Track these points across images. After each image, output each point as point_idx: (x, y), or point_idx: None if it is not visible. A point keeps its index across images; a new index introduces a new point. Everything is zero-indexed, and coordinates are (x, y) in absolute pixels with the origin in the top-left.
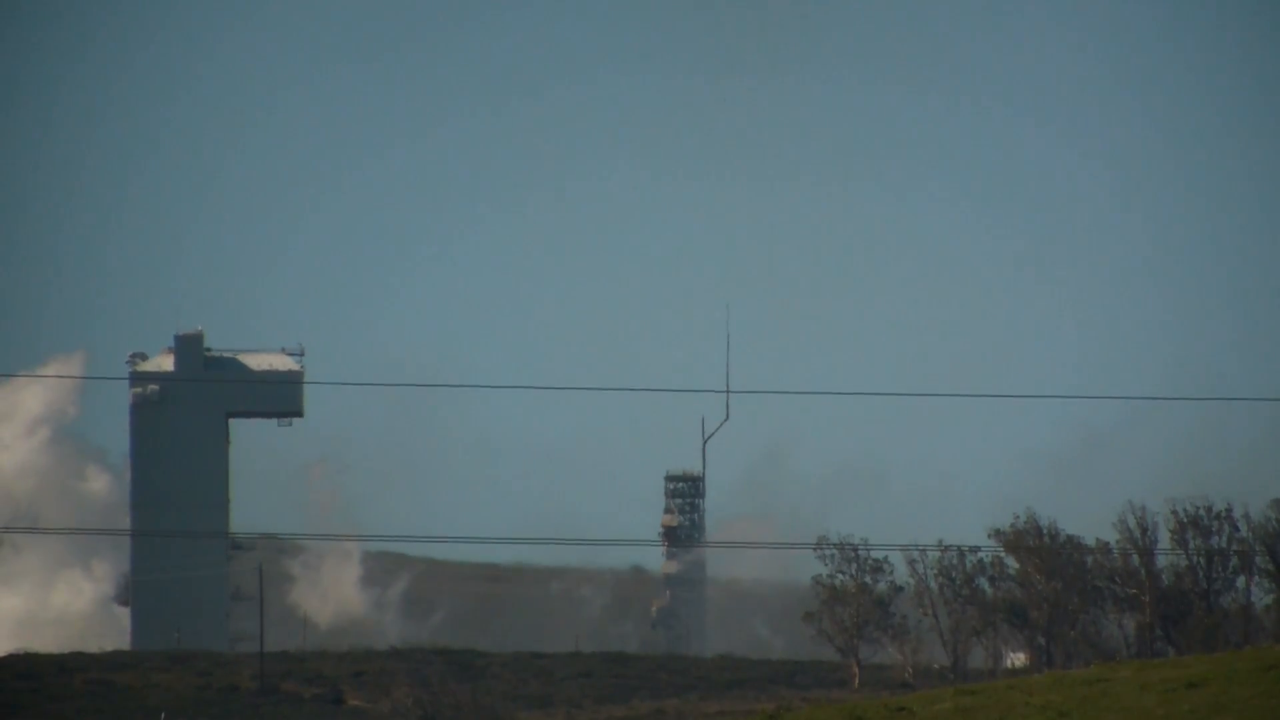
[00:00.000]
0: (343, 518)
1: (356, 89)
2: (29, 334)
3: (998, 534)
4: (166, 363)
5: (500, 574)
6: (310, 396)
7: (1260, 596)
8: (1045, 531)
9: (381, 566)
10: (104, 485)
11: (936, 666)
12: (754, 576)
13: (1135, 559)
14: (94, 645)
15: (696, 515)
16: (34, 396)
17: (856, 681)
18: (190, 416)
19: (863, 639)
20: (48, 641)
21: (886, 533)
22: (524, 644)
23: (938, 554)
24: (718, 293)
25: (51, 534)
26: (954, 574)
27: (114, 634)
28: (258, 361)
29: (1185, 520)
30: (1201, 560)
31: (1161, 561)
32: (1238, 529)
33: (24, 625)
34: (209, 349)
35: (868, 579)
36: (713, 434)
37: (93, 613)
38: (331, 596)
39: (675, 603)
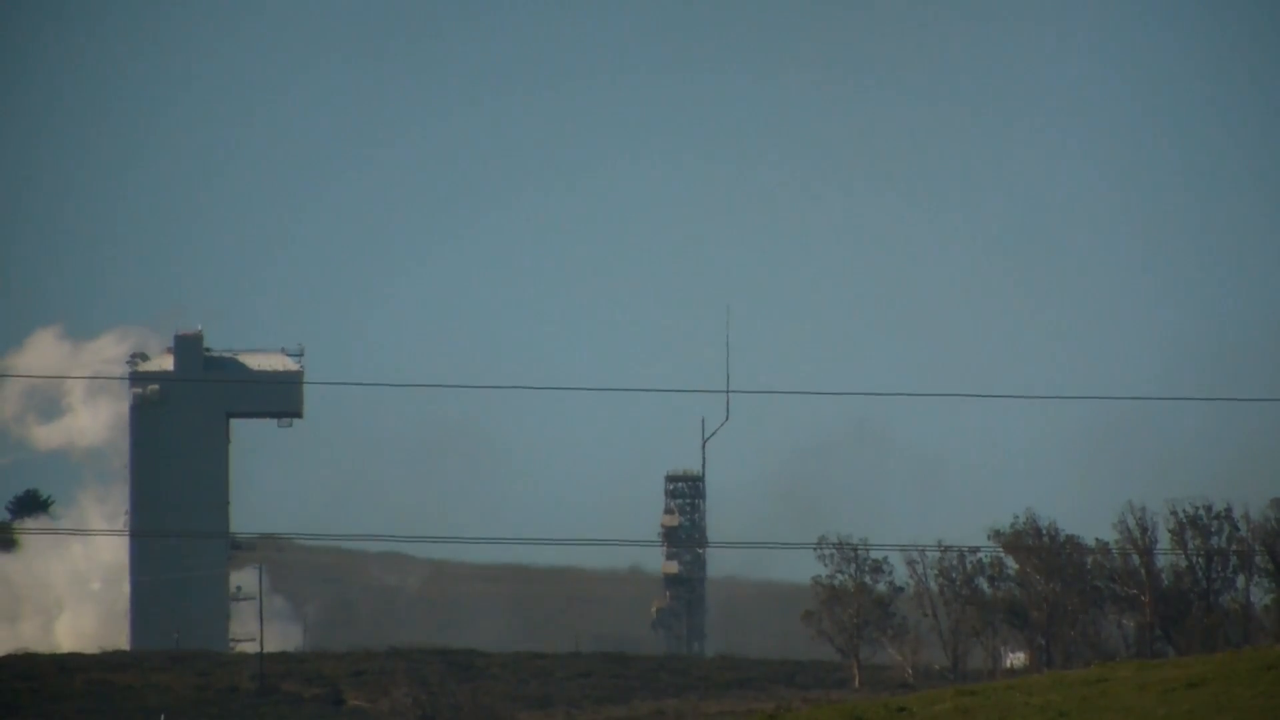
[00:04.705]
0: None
1: (356, 88)
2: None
3: (997, 534)
4: (166, 363)
5: (500, 574)
6: (310, 396)
7: (1260, 596)
8: (1045, 532)
9: (382, 566)
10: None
11: (936, 667)
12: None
13: (1135, 559)
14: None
15: (696, 515)
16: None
17: (856, 681)
18: (190, 416)
19: (863, 639)
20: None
21: (886, 533)
22: (524, 644)
23: (937, 554)
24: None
25: (50, 534)
26: (954, 574)
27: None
28: (257, 361)
29: (1185, 520)
30: (1201, 560)
31: (1161, 561)
32: (1237, 529)
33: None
34: (209, 349)
35: (867, 579)
36: (713, 434)
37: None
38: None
39: (675, 603)
